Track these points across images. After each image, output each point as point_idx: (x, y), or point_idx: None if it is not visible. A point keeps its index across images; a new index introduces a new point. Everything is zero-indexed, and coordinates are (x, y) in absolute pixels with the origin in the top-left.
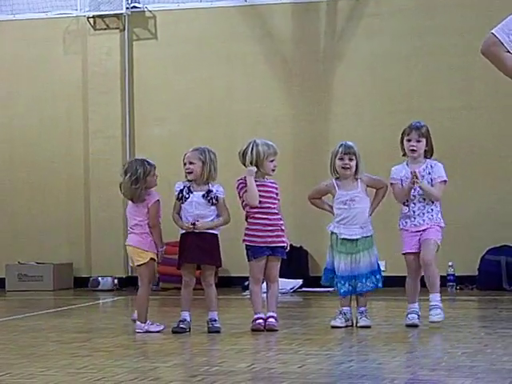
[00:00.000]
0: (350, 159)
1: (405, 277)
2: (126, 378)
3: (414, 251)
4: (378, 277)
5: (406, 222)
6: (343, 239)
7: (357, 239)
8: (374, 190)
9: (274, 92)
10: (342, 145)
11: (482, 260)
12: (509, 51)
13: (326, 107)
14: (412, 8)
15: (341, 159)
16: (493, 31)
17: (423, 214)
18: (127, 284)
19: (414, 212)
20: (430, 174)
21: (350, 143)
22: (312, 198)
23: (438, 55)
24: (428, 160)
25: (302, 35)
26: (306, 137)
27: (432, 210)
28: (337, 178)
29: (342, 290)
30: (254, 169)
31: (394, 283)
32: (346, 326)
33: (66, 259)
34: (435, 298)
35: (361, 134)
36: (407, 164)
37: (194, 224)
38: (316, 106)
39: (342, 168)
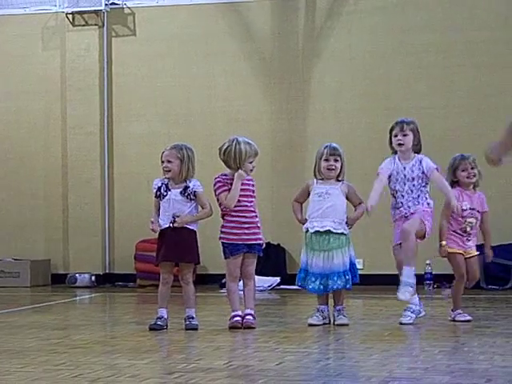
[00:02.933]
0: (336, 160)
1: (382, 275)
2: (103, 375)
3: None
4: (348, 277)
5: (395, 213)
6: (316, 233)
7: (329, 235)
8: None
9: (253, 89)
10: (327, 146)
11: None
12: None
13: (304, 105)
14: (391, 6)
15: (326, 160)
16: None
17: (413, 204)
18: (105, 281)
19: (402, 204)
20: (420, 169)
21: (335, 145)
22: (295, 201)
23: (418, 53)
24: (417, 155)
25: (281, 32)
26: (284, 134)
27: (419, 202)
28: (320, 179)
29: (310, 286)
30: (245, 175)
31: (371, 281)
32: (323, 324)
33: (43, 256)
34: (408, 272)
35: (339, 132)
36: (399, 159)
37: (172, 223)
38: (295, 103)
39: (327, 169)
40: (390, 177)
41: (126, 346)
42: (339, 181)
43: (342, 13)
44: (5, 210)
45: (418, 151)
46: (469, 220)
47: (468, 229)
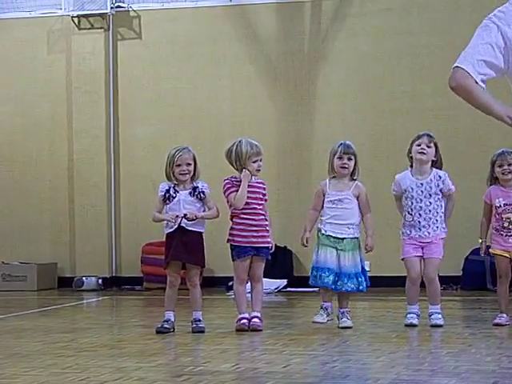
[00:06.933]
0: (349, 159)
1: (389, 277)
2: (110, 378)
3: (415, 255)
4: (360, 279)
5: (409, 231)
6: (329, 236)
7: (343, 238)
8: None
9: (259, 92)
10: (341, 144)
11: (466, 260)
12: (476, 82)
13: (310, 107)
14: (396, 8)
15: (339, 158)
16: (458, 65)
17: (429, 225)
18: (111, 284)
19: (419, 223)
20: (438, 185)
21: (349, 143)
22: (313, 209)
23: (422, 55)
24: (434, 169)
25: (287, 35)
26: (290, 137)
27: (437, 220)
28: (333, 177)
29: (325, 280)
30: (249, 174)
31: (378, 283)
32: (328, 321)
33: (50, 259)
34: (436, 307)
35: (345, 134)
36: (412, 174)
37: (185, 215)
38: (300, 106)
39: (341, 167)
40: (404, 193)
41: (133, 349)
42: (353, 180)
43: (347, 15)
44: (11, 213)
45: (439, 167)
46: (505, 216)
47: (506, 224)
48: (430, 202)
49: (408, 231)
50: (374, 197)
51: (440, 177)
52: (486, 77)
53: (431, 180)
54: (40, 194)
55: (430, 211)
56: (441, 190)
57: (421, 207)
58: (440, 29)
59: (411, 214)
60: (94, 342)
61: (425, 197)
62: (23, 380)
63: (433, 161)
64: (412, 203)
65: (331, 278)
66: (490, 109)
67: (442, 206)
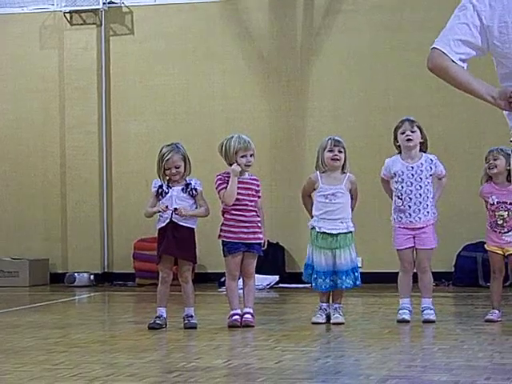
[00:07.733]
0: (340, 151)
1: (381, 273)
2: (102, 374)
3: (408, 246)
4: (356, 274)
5: (400, 217)
6: (323, 233)
7: (337, 234)
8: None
9: (251, 87)
10: (330, 138)
11: (458, 256)
12: (453, 61)
13: (303, 103)
14: (389, 4)
15: (330, 151)
16: (435, 46)
17: (419, 210)
18: (103, 280)
19: (409, 207)
20: (430, 169)
21: (337, 137)
22: (305, 196)
23: (416, 51)
24: (424, 154)
25: (280, 31)
26: (283, 132)
27: (427, 205)
28: (323, 172)
29: (323, 286)
30: (238, 168)
31: (370, 279)
32: (327, 322)
33: (41, 255)
34: (428, 301)
35: (337, 130)
36: (402, 158)
37: (175, 209)
38: (293, 101)
39: (332, 159)
40: (394, 177)
41: (124, 344)
42: (344, 173)
43: (339, 11)
44: (3, 209)
45: (425, 149)
46: (498, 213)
47: (500, 222)
48: (421, 186)
49: (398, 217)
50: (365, 193)
51: (432, 160)
52: (464, 56)
53: (422, 164)
54: (32, 189)
55: (420, 195)
56: (431, 174)
57: (411, 191)
58: (433, 24)
59: (401, 199)
60: (86, 337)
61: (415, 180)
62: (15, 376)
63: (420, 143)
64: (402, 187)
65: (328, 281)
66: (470, 87)
67: (431, 191)
